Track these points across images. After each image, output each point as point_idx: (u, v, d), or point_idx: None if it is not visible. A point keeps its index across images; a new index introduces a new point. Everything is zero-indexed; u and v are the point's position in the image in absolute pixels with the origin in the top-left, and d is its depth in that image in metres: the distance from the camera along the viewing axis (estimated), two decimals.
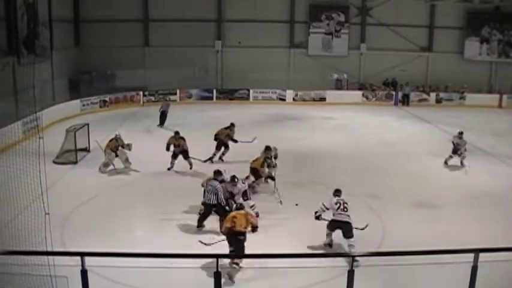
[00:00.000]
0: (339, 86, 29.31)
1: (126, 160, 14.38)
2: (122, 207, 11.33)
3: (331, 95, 28.50)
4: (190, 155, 14.32)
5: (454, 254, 5.75)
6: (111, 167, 14.35)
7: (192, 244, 9.00)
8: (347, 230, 8.86)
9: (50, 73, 22.15)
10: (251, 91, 28.18)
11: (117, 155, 14.28)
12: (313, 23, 29.46)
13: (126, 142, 14.48)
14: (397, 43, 29.74)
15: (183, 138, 14.37)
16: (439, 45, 30.57)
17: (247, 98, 28.19)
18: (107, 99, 24.79)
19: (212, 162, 14.81)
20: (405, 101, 28.91)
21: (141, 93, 26.53)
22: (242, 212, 8.55)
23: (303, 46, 29.68)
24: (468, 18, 30.58)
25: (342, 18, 29.65)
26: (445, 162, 16.24)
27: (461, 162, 16.05)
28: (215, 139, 15.10)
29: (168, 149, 14.29)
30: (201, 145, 15.61)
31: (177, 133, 14.62)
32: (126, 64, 26.57)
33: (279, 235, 9.94)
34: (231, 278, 7.71)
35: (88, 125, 16.63)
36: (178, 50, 27.59)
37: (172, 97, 26.30)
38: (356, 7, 29.84)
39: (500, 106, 29.52)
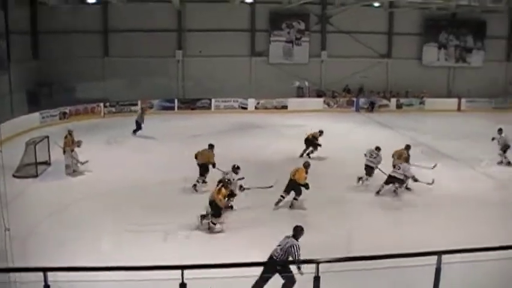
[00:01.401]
0: (300, 93, 31.21)
1: (76, 160, 15.54)
2: (85, 220, 11.71)
3: (293, 102, 30.27)
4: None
5: (418, 256, 5.90)
6: (76, 165, 15.37)
7: (157, 256, 9.13)
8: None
9: (7, 86, 23.12)
10: (213, 100, 29.49)
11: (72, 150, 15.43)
12: (273, 32, 31.32)
13: (76, 140, 15.75)
14: (357, 50, 31.95)
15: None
16: (398, 51, 32.98)
17: (209, 108, 29.48)
18: (67, 111, 25.82)
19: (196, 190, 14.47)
20: (371, 107, 30.83)
21: (101, 104, 27.66)
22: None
23: (264, 54, 31.51)
24: (426, 24, 33.14)
25: (302, 26, 31.60)
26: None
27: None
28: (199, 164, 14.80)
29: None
30: (168, 156, 17.30)
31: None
32: (86, 75, 27.67)
33: (239, 242, 10.73)
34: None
35: (48, 137, 16.97)
36: (139, 60, 28.86)
37: (133, 108, 27.55)
38: (316, 15, 31.85)
39: (459, 110, 31.92)
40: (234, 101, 29.96)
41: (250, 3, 29.93)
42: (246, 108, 29.82)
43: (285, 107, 30.19)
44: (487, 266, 6.65)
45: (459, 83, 33.55)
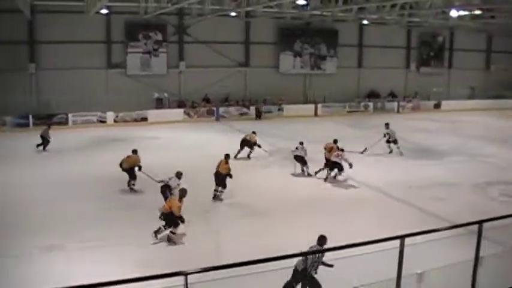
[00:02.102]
0: (160, 105, 34.95)
1: None
2: None
3: (152, 114, 33.76)
4: None
5: (281, 260, 6.25)
6: None
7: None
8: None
9: None
10: (70, 115, 31.75)
11: None
12: (130, 43, 34.81)
13: None
14: (215, 60, 36.90)
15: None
16: (256, 60, 38.59)
17: (66, 123, 31.55)
18: None
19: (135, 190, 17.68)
20: (258, 115, 36.12)
21: None
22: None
23: (121, 66, 34.78)
24: (281, 33, 39.07)
25: (160, 37, 35.53)
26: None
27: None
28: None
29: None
30: (19, 178, 18.88)
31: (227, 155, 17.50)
32: None
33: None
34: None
35: None
36: None
37: None
38: (173, 25, 36.12)
39: (316, 115, 37.33)
40: (92, 114, 32.36)
41: (106, 14, 32.57)
42: (104, 122, 32.53)
43: (145, 119, 33.43)
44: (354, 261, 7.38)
45: (315, 89, 39.66)
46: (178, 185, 14.89)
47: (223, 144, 25.93)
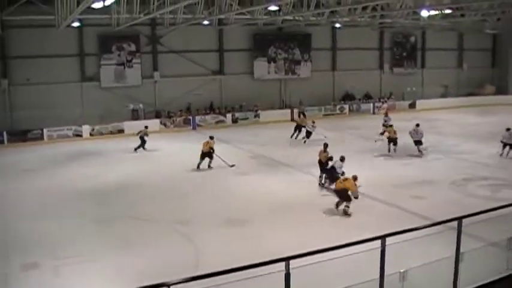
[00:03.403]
0: (135, 116, 35.03)
1: None
2: None
3: (129, 126, 33.54)
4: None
5: (267, 265, 6.49)
6: None
7: None
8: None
9: None
10: (45, 130, 31.53)
11: None
12: (103, 55, 34.87)
13: None
14: (190, 69, 37.20)
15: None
16: (231, 67, 38.99)
17: (42, 138, 31.33)
18: None
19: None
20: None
21: None
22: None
23: (95, 79, 34.74)
24: (255, 40, 39.39)
25: (133, 48, 35.67)
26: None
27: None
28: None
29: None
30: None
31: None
32: None
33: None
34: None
35: None
36: None
37: None
38: (146, 36, 36.28)
39: (292, 119, 37.67)
40: (67, 129, 32.21)
41: (77, 27, 32.64)
42: (80, 136, 32.44)
43: (121, 131, 33.46)
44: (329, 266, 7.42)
45: (290, 94, 40.30)
46: (341, 167, 18.23)
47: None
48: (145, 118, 34.98)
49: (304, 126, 29.60)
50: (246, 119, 37.34)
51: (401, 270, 8.15)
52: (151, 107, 36.18)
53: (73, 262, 12.43)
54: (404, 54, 47.10)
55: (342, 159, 18.54)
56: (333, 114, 40.54)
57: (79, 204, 17.69)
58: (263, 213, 16.08)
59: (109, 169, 23.24)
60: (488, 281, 8.74)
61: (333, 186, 17.27)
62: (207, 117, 36.58)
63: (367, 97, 44.02)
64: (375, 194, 18.06)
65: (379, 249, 7.50)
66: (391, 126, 26.44)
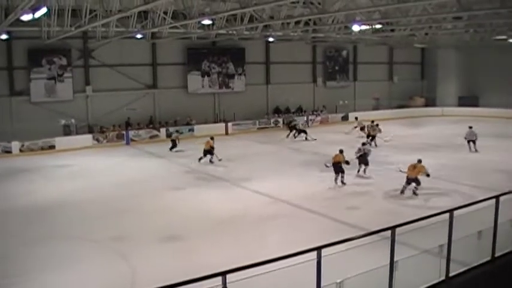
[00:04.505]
0: (67, 131, 34.73)
1: None
2: None
3: (60, 141, 33.28)
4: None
5: (204, 280, 6.63)
6: None
7: None
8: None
9: None
10: None
11: None
12: (33, 69, 34.34)
13: None
14: (123, 83, 37.30)
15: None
16: (164, 81, 39.31)
17: None
18: None
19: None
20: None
21: None
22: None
23: (24, 93, 34.12)
24: (188, 53, 39.83)
25: (64, 61, 35.36)
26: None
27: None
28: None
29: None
30: None
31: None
32: None
33: None
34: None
35: None
36: None
37: None
38: (78, 49, 36.02)
39: (227, 133, 38.06)
40: None
41: (6, 40, 32.16)
42: (10, 152, 31.73)
43: (52, 147, 32.96)
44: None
45: (225, 108, 40.71)
46: (369, 150, 23.88)
47: (134, 168, 27.32)
48: (77, 133, 34.74)
49: (295, 127, 36.39)
50: (181, 133, 37.31)
51: (338, 281, 8.38)
52: (83, 122, 35.85)
53: (3, 284, 12.16)
54: (337, 67, 48.63)
55: (364, 144, 24.34)
56: (267, 128, 41.28)
57: (9, 223, 17.36)
58: (199, 228, 16.18)
59: (40, 186, 22.95)
60: (423, 287, 9.32)
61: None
62: (141, 132, 36.56)
63: (301, 110, 45.06)
64: (311, 206, 18.66)
65: (315, 261, 7.70)
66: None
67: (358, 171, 23.46)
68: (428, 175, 19.71)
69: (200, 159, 27.25)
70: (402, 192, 19.74)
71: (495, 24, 32.42)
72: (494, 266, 10.73)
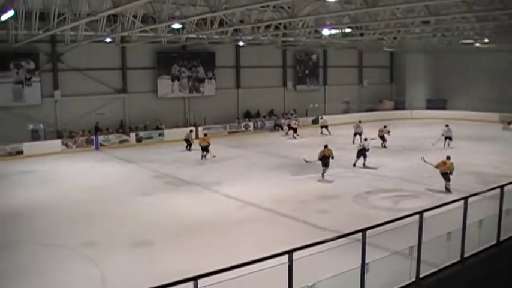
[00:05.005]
0: (35, 137, 34.20)
1: None
2: None
3: (28, 147, 32.81)
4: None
5: (176, 285, 6.62)
6: None
7: None
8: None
9: None
10: None
11: None
12: (0, 73, 33.76)
13: None
14: (92, 87, 36.98)
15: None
16: (134, 85, 39.11)
17: None
18: None
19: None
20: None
21: None
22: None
23: None
24: (158, 58, 39.66)
25: (32, 65, 34.86)
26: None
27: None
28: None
29: None
30: None
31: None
32: None
33: None
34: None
35: None
36: None
37: None
38: (46, 53, 35.59)
39: (197, 137, 37.55)
40: None
41: None
42: None
43: (20, 153, 32.47)
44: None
45: (195, 112, 40.70)
46: (368, 145, 26.14)
47: (103, 173, 26.99)
48: (46, 139, 34.33)
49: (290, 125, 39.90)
50: (151, 138, 37.32)
51: (310, 284, 8.44)
52: (52, 127, 35.43)
53: None
54: (307, 71, 49.02)
55: (366, 139, 26.64)
56: (237, 132, 41.42)
57: None
58: (169, 233, 16.16)
59: (8, 192, 22.71)
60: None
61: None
62: (111, 136, 36.25)
63: (271, 114, 45.20)
64: (281, 209, 18.82)
65: (287, 264, 7.73)
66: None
67: (355, 163, 26.09)
68: (451, 173, 20.73)
69: (202, 157, 29.54)
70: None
71: (462, 29, 33.08)
72: (463, 267, 10.97)
